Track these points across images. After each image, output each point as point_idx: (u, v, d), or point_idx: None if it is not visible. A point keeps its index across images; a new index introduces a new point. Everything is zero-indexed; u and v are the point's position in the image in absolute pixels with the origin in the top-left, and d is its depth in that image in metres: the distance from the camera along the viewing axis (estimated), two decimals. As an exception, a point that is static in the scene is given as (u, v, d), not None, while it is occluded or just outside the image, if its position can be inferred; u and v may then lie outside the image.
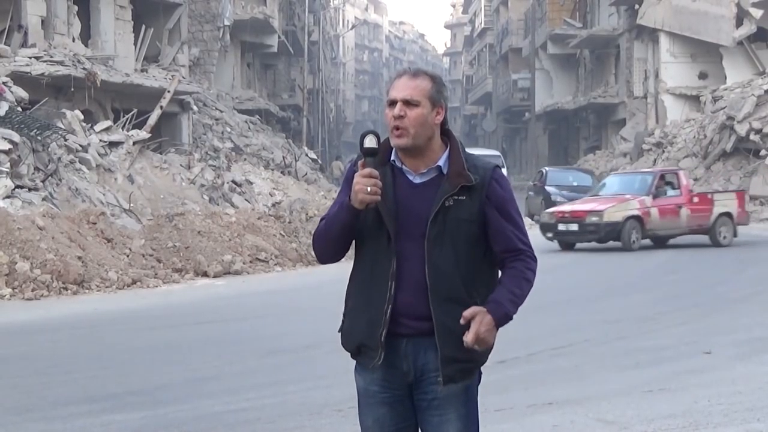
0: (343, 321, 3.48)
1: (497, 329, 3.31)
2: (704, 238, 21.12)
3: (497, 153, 39.31)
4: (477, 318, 3.25)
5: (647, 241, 21.09)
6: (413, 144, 3.35)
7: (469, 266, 3.36)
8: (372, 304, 3.35)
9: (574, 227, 20.60)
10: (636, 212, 20.34)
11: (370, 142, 3.31)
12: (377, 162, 3.34)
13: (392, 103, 3.37)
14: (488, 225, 3.37)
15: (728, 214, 21.20)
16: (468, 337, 3.24)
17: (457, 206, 3.33)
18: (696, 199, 21.20)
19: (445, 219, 3.32)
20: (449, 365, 3.30)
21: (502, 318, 3.31)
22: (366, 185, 3.24)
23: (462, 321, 3.25)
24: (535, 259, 3.42)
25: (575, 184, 30.37)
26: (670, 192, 21.02)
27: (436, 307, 3.30)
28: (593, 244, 20.92)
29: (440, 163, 3.39)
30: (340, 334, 3.49)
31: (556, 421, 6.59)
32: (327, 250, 3.45)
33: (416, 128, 3.34)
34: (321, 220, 3.46)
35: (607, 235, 20.29)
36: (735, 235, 21.15)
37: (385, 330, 3.32)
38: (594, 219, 20.29)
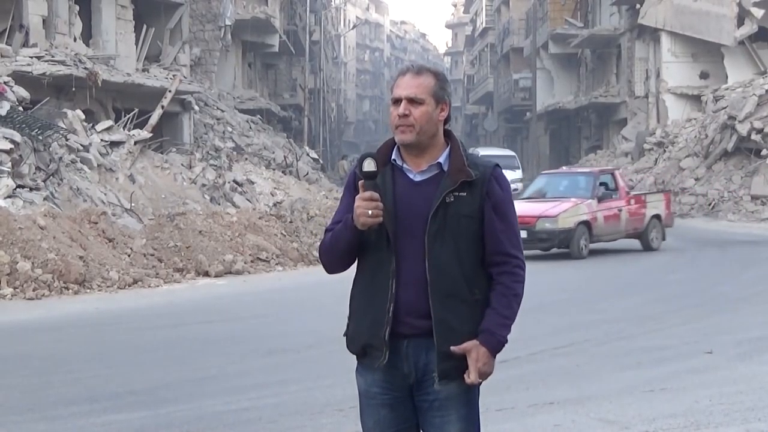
0: (347, 325, 3.50)
1: (494, 357, 3.36)
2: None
3: (512, 153, 36.56)
4: (472, 355, 3.32)
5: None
6: (418, 140, 3.37)
7: (470, 263, 3.37)
8: (375, 304, 3.37)
9: (522, 234, 18.23)
10: (586, 217, 18.66)
11: (368, 165, 3.34)
12: (378, 167, 3.37)
13: (396, 101, 3.39)
14: (484, 223, 3.38)
15: (658, 217, 20.10)
16: (470, 378, 3.32)
17: (458, 202, 3.35)
18: (633, 201, 19.85)
19: (446, 215, 3.34)
20: (446, 361, 3.32)
21: (496, 347, 3.36)
22: (367, 209, 3.27)
23: (457, 350, 3.30)
24: (523, 267, 3.44)
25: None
26: (611, 193, 19.50)
27: (435, 303, 3.32)
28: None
29: (440, 159, 3.41)
30: (345, 337, 3.51)
31: (557, 421, 6.59)
32: (334, 263, 3.50)
33: (422, 125, 3.36)
34: (326, 231, 3.50)
35: (560, 243, 18.44)
36: (664, 238, 20.15)
37: (388, 328, 3.34)
38: (547, 225, 18.24)
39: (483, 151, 33.67)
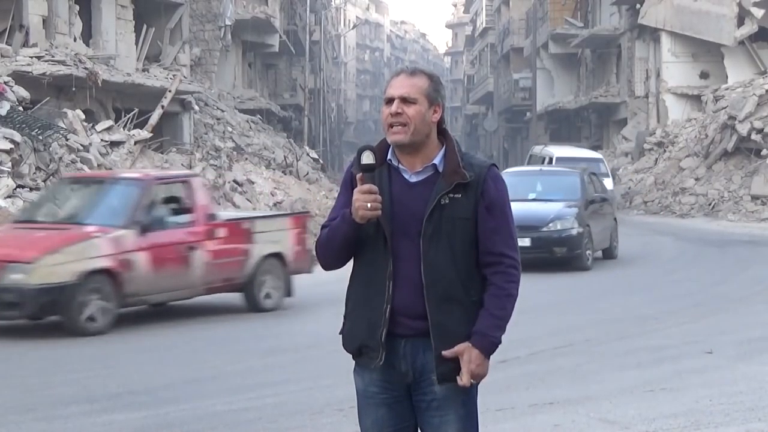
0: (343, 323, 3.50)
1: (488, 358, 3.34)
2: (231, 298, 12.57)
3: (598, 156, 29.01)
4: (465, 357, 3.29)
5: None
6: (411, 140, 3.35)
7: (466, 265, 3.36)
8: (371, 305, 3.36)
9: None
10: (104, 263, 10.57)
11: (367, 158, 3.33)
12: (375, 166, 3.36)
13: (389, 101, 3.38)
14: (477, 223, 3.37)
15: (279, 257, 12.43)
16: (463, 380, 3.29)
17: (453, 204, 3.34)
18: (221, 232, 11.91)
19: (441, 217, 3.33)
20: (444, 363, 3.32)
21: (489, 348, 3.34)
22: (366, 201, 3.26)
23: (448, 354, 3.29)
24: (517, 267, 3.40)
25: (533, 197, 17.47)
26: (173, 219, 11.56)
27: (432, 306, 3.31)
28: None
29: (436, 161, 3.39)
30: (341, 336, 3.50)
31: (557, 421, 6.59)
32: (330, 259, 3.48)
33: (415, 123, 3.34)
34: (322, 228, 3.48)
35: (42, 311, 10.48)
36: (290, 292, 12.53)
37: (384, 330, 3.33)
38: (18, 277, 10.16)
39: (559, 153, 27.22)
